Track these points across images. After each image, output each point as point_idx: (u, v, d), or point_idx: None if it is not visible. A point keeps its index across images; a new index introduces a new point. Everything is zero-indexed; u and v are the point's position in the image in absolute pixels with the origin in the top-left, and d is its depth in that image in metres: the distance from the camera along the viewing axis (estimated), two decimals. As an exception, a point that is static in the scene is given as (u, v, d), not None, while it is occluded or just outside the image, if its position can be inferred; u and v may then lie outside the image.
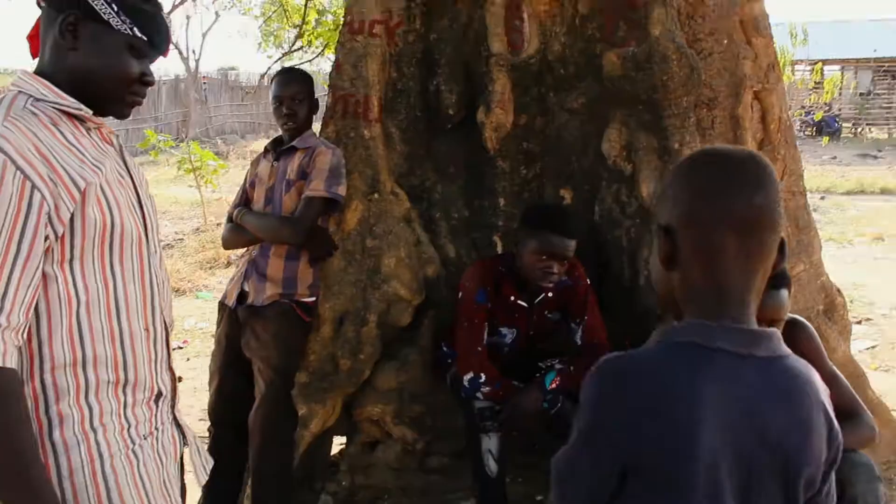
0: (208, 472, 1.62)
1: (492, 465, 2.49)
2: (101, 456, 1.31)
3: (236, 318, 2.81)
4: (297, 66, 2.96)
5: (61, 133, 1.32)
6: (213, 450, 2.81)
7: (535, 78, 3.16)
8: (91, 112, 1.38)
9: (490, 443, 2.50)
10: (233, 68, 31.21)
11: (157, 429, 1.43)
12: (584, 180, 3.17)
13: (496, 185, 3.22)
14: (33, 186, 1.22)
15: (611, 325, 2.81)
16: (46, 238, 1.24)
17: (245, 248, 2.96)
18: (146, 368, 1.41)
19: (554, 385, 2.54)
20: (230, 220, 2.93)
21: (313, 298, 2.85)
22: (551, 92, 3.18)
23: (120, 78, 1.40)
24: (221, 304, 2.92)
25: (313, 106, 2.90)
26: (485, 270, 2.65)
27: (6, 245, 1.19)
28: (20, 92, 1.34)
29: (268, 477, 2.64)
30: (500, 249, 3.22)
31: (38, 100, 1.33)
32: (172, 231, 9.35)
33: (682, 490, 1.03)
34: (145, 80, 1.44)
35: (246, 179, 3.01)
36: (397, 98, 3.22)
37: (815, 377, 1.11)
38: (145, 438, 1.40)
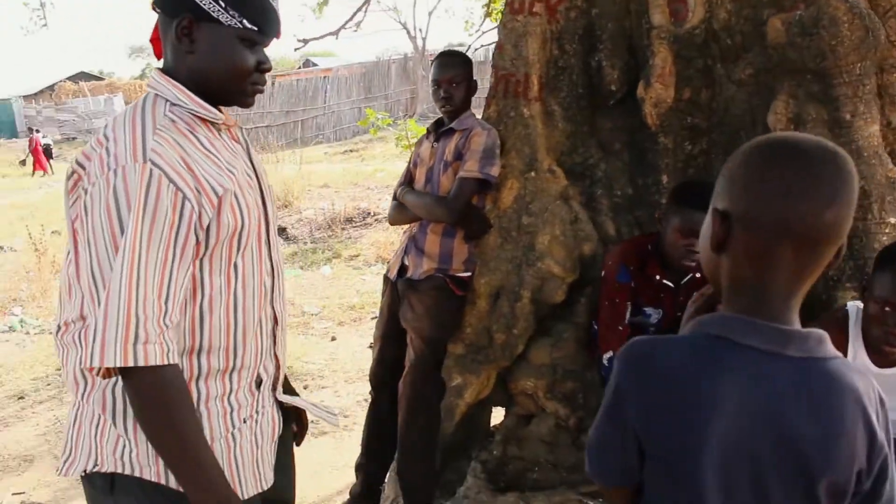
0: (337, 421, 1.77)
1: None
2: None
3: (396, 290, 3.02)
4: (455, 49, 3.06)
5: (199, 140, 1.44)
6: (372, 413, 3.07)
7: (700, 49, 3.03)
8: (222, 117, 1.50)
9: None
10: (461, 44, 32.10)
11: (257, 412, 1.57)
12: (755, 156, 2.99)
13: (659, 161, 3.14)
14: (184, 197, 1.34)
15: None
16: (198, 240, 1.38)
17: (408, 224, 3.15)
18: (252, 357, 1.54)
19: None
20: (395, 197, 3.14)
21: (468, 273, 2.98)
22: (718, 63, 3.03)
23: (238, 72, 1.47)
24: (385, 277, 3.15)
25: (471, 88, 3.01)
26: (630, 248, 2.63)
27: (166, 252, 1.32)
28: (157, 95, 1.46)
29: (413, 443, 2.83)
30: (663, 227, 3.15)
31: (174, 104, 1.44)
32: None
33: (692, 482, 1.03)
34: (262, 68, 1.50)
35: (411, 159, 3.19)
36: (559, 76, 3.23)
37: (862, 384, 1.04)
38: (244, 422, 1.53)
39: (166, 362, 1.33)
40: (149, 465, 1.44)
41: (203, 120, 1.48)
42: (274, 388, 1.65)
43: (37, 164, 20.99)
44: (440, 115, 3.12)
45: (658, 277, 2.59)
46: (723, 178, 1.11)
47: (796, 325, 1.05)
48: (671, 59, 3.00)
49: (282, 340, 1.65)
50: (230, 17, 1.43)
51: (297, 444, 1.94)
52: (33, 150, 21.09)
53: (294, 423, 1.87)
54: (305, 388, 4.89)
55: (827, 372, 1.03)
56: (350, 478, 3.26)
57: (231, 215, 1.42)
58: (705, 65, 3.05)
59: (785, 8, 2.76)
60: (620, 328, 2.56)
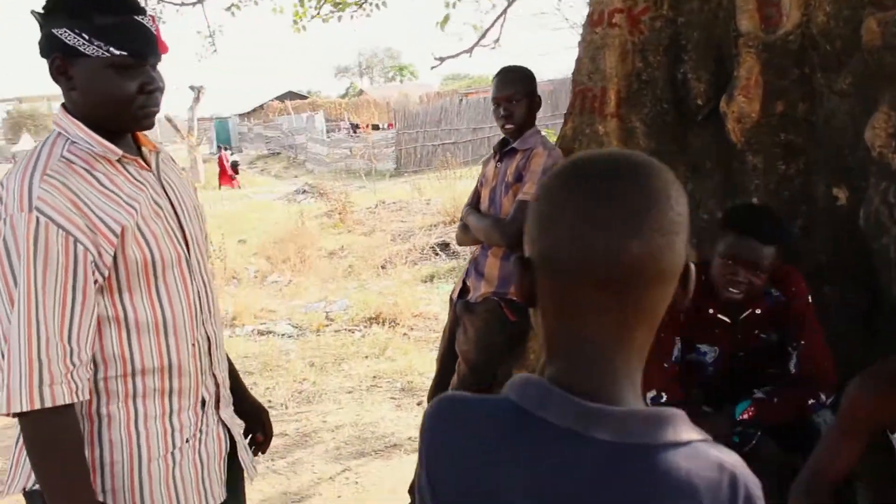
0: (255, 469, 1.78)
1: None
2: (140, 457, 1.48)
3: (457, 311, 2.96)
4: (516, 65, 2.95)
5: (96, 178, 1.43)
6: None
7: (796, 57, 2.72)
8: (119, 152, 1.46)
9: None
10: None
11: (200, 431, 1.57)
12: (861, 176, 2.64)
13: (748, 182, 2.85)
14: (76, 240, 1.36)
15: (877, 351, 2.32)
16: (96, 281, 1.39)
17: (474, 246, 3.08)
18: (191, 378, 1.55)
19: (746, 416, 2.20)
20: (461, 218, 3.08)
21: (529, 298, 2.85)
22: (817, 72, 2.70)
23: (118, 101, 1.43)
24: (450, 298, 3.09)
25: (534, 105, 2.89)
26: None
27: (63, 296, 1.35)
28: (59, 134, 1.46)
29: None
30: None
31: (74, 142, 1.44)
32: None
33: None
34: (146, 90, 1.45)
35: (478, 180, 3.12)
36: (642, 90, 3.03)
37: (713, 480, 0.78)
38: (187, 442, 1.54)
39: (76, 400, 1.37)
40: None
41: (102, 156, 1.46)
42: (217, 407, 1.66)
43: (222, 179, 22.95)
44: None
45: (712, 311, 2.34)
46: (527, 220, 0.90)
47: (626, 395, 0.84)
48: (758, 69, 2.72)
49: (219, 359, 1.66)
50: (96, 49, 1.39)
51: (262, 452, 1.96)
52: (221, 165, 23.12)
53: (259, 433, 1.89)
54: (419, 404, 4.90)
55: (650, 463, 0.78)
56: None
57: (137, 248, 1.44)
58: (802, 74, 2.74)
59: (886, 7, 2.41)
60: (666, 365, 2.34)
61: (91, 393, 1.44)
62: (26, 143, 52.48)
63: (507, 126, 2.86)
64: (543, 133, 2.99)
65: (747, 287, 2.18)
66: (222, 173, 22.70)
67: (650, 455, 0.77)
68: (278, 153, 32.48)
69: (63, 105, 1.50)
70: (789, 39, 2.71)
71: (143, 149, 1.58)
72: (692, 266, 0.86)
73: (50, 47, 1.42)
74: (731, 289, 2.20)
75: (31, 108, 47.59)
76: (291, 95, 40.83)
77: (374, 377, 5.40)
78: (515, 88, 2.84)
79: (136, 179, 1.51)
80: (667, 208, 0.81)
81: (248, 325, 6.95)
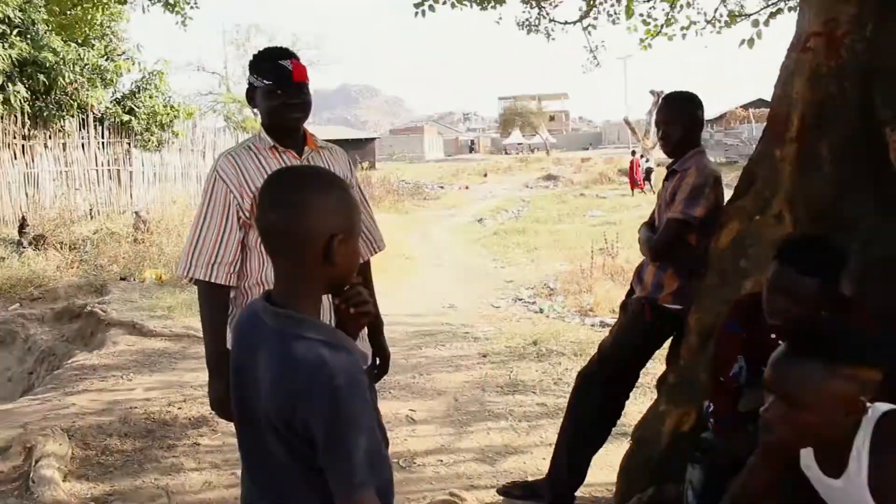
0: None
1: (689, 497, 2.41)
2: None
3: (626, 310, 3.30)
4: (681, 91, 3.10)
5: (258, 159, 2.40)
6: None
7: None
8: (270, 142, 2.41)
9: (693, 474, 2.41)
10: None
11: None
12: None
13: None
14: (229, 190, 2.37)
15: None
16: (239, 218, 2.36)
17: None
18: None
19: None
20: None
21: (678, 307, 3.08)
22: None
23: (274, 112, 2.36)
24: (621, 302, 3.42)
25: (692, 127, 3.06)
26: (747, 301, 2.46)
27: (219, 220, 2.36)
28: (255, 135, 2.49)
29: (562, 439, 3.12)
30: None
31: (257, 138, 2.46)
32: None
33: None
34: (288, 104, 2.33)
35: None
36: (836, 116, 2.96)
37: (314, 363, 1.32)
38: None
39: (209, 280, 2.36)
40: None
41: (271, 148, 2.41)
42: None
43: (632, 185, 23.38)
44: None
45: (774, 336, 2.37)
46: None
47: (299, 309, 1.40)
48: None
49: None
50: (259, 81, 2.36)
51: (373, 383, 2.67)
52: (631, 170, 23.56)
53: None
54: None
55: (287, 344, 1.36)
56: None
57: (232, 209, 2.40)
58: None
59: None
60: (722, 379, 2.45)
61: (241, 291, 2.43)
62: (515, 137, 59.95)
63: (666, 148, 3.09)
64: (705, 155, 3.12)
65: (785, 316, 2.21)
66: (632, 177, 23.38)
67: (284, 338, 1.37)
68: (735, 161, 31.74)
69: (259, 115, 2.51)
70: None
71: (306, 147, 2.49)
72: (334, 242, 1.38)
73: (248, 86, 2.43)
74: (771, 317, 2.25)
75: (521, 106, 54.03)
76: (760, 103, 39.23)
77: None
78: (672, 112, 3.06)
79: (284, 163, 2.40)
80: (291, 191, 1.38)
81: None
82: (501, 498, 3.44)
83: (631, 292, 3.29)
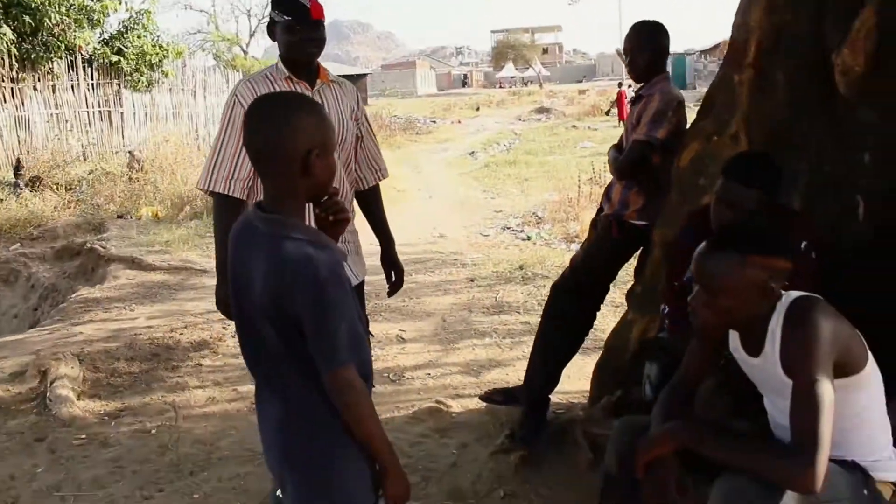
0: None
1: (647, 390, 2.68)
2: None
3: (596, 225, 3.54)
4: (645, 20, 3.27)
5: (273, 87, 2.59)
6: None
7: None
8: (285, 72, 2.61)
9: (651, 369, 2.68)
10: None
11: None
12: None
13: (860, 139, 2.85)
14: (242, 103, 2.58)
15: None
16: None
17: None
18: None
19: None
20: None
21: (643, 222, 3.31)
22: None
23: (291, 46, 2.55)
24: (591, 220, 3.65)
25: (655, 54, 3.24)
26: (702, 212, 2.69)
27: (237, 139, 2.53)
28: (273, 66, 2.69)
29: (537, 344, 3.40)
30: (861, 210, 2.89)
31: (276, 67, 2.65)
32: None
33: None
34: (305, 39, 2.52)
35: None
36: (791, 42, 3.14)
37: (301, 258, 1.54)
38: None
39: (227, 193, 2.58)
40: None
41: (286, 77, 2.61)
42: None
43: (620, 115, 23.48)
44: None
45: None
46: None
47: (286, 215, 1.62)
48: (873, 22, 2.72)
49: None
50: (279, 16, 2.54)
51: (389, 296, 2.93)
52: (619, 103, 23.59)
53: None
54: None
55: (279, 245, 1.57)
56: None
57: None
58: (925, 29, 2.65)
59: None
60: (676, 284, 2.70)
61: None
62: (509, 70, 59.48)
63: (632, 74, 3.28)
64: (670, 81, 3.31)
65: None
66: (620, 109, 23.44)
67: (274, 239, 1.59)
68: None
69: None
70: (914, -7, 2.64)
71: (318, 80, 2.68)
72: (311, 156, 1.60)
73: (269, 20, 2.63)
74: (717, 225, 2.48)
75: (514, 39, 53.45)
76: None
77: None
78: (633, 41, 3.24)
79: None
80: (265, 118, 1.59)
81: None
82: (484, 404, 3.73)
83: (600, 210, 3.52)
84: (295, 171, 1.60)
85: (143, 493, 3.11)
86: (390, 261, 2.99)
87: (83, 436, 3.63)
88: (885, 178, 2.82)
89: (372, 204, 2.99)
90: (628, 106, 14.43)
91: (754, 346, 1.92)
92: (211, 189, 2.60)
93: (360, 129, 2.84)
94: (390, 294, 3.03)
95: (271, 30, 2.63)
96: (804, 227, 2.51)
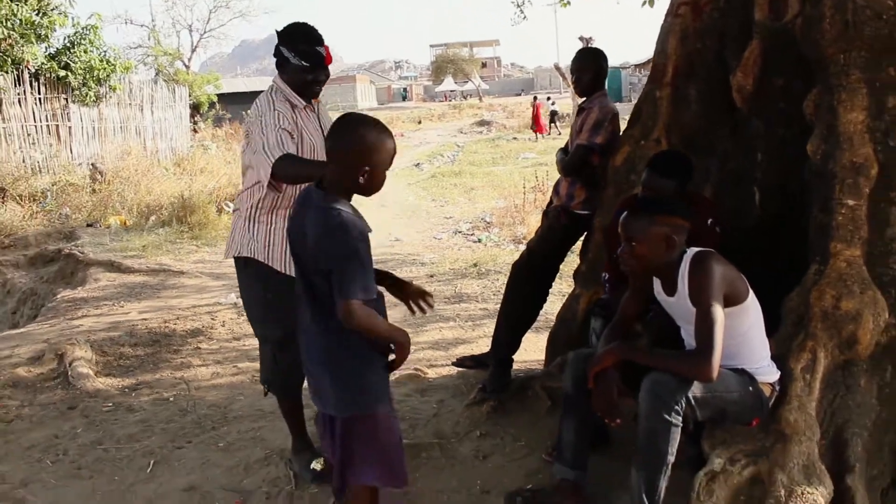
0: None
1: (593, 340, 3.40)
2: None
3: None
4: (588, 47, 4.04)
5: (292, 108, 3.08)
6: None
7: (794, 41, 3.43)
8: (303, 102, 3.10)
9: (595, 324, 3.40)
10: None
11: None
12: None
13: (754, 141, 3.64)
14: (285, 118, 3.01)
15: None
16: (292, 136, 2.97)
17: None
18: None
19: None
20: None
21: (587, 212, 4.04)
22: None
23: (304, 84, 3.03)
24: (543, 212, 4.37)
25: (597, 75, 4.00)
26: (630, 199, 3.42)
27: (277, 134, 3.00)
28: (276, 87, 3.13)
29: (500, 314, 4.10)
30: (757, 200, 3.67)
31: (282, 91, 3.11)
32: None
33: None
34: (316, 81, 3.05)
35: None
36: (700, 65, 3.92)
37: (325, 217, 2.17)
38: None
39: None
40: (261, 252, 3.23)
41: (294, 102, 3.12)
42: None
43: (536, 127, 24.51)
44: None
45: None
46: None
47: (334, 200, 2.23)
48: (759, 50, 3.50)
49: None
50: (294, 58, 3.02)
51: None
52: (534, 114, 24.60)
53: None
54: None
55: (321, 210, 2.20)
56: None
57: (300, 137, 3.08)
58: (799, 55, 3.45)
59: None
60: (614, 255, 3.42)
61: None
62: (448, 84, 60.75)
63: (576, 89, 4.03)
64: (607, 97, 4.07)
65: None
66: (535, 121, 24.38)
67: (323, 208, 2.21)
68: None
69: (279, 74, 3.15)
70: (790, 27, 3.44)
71: (313, 102, 3.21)
72: (364, 172, 2.23)
73: (278, 52, 3.08)
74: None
75: (453, 54, 54.69)
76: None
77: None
78: (579, 63, 4.00)
79: (306, 116, 3.16)
80: (351, 131, 2.23)
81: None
82: (456, 369, 4.40)
83: (550, 203, 4.24)
84: (352, 176, 2.22)
85: (175, 444, 3.67)
86: None
87: (110, 404, 4.17)
88: (774, 174, 3.60)
89: None
90: (544, 117, 15.63)
91: (670, 288, 2.66)
92: (284, 154, 2.89)
93: None
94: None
95: (279, 62, 3.10)
96: (708, 207, 3.26)
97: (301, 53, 3.03)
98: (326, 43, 3.12)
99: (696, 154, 3.85)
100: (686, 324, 2.67)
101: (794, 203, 3.47)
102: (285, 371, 3.19)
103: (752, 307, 2.61)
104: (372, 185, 2.27)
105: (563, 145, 4.33)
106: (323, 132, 3.17)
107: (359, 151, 2.20)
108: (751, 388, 2.60)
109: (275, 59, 3.13)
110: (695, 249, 2.61)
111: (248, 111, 3.29)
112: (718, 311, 2.44)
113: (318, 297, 2.28)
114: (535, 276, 4.10)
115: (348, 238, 2.17)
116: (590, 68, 4.03)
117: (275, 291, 3.11)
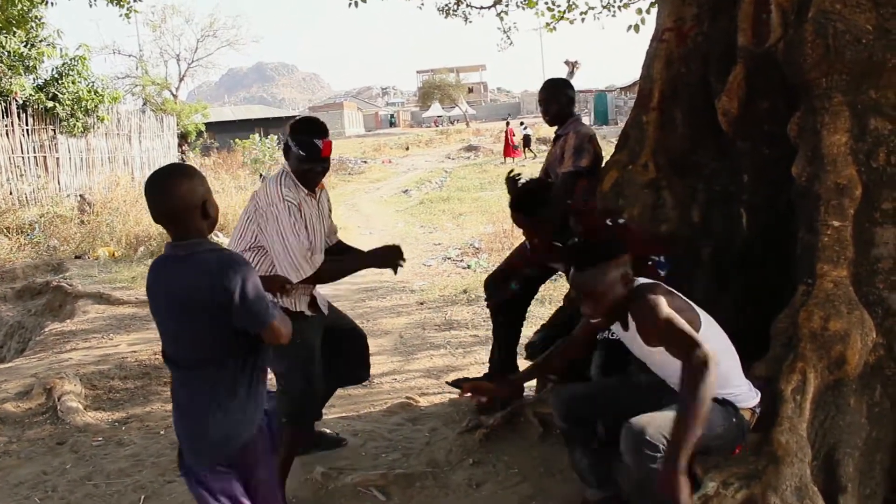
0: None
1: (593, 371, 3.41)
2: None
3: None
4: (554, 78, 4.17)
5: (295, 190, 3.12)
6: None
7: (777, 65, 3.48)
8: (305, 190, 3.16)
9: (598, 360, 3.41)
10: None
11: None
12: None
13: (740, 163, 3.67)
14: (297, 209, 3.09)
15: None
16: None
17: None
18: None
19: None
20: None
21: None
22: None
23: (304, 173, 3.12)
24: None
25: (563, 104, 4.06)
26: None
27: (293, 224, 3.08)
28: (286, 172, 3.18)
29: (493, 331, 4.12)
30: (744, 221, 3.69)
31: (287, 174, 3.15)
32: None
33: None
34: (314, 171, 3.13)
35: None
36: (685, 90, 3.97)
37: (217, 265, 2.16)
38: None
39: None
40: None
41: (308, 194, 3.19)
42: None
43: (506, 151, 24.65)
44: None
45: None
46: None
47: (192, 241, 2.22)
48: (742, 74, 3.55)
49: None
50: (295, 147, 3.10)
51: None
52: (505, 139, 24.78)
53: None
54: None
55: (195, 259, 2.21)
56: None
57: (305, 224, 3.14)
58: (781, 78, 3.49)
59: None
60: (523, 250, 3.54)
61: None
62: (435, 109, 61.05)
63: (545, 118, 4.10)
64: (582, 121, 4.12)
65: (543, 232, 3.42)
66: (507, 146, 24.57)
67: (198, 254, 2.21)
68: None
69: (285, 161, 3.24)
70: (772, 52, 3.49)
71: (317, 189, 3.27)
72: (206, 203, 2.23)
73: (285, 142, 3.19)
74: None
75: (439, 79, 55.06)
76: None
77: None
78: (544, 94, 4.08)
79: (308, 202, 3.21)
80: (172, 184, 2.21)
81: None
82: (448, 399, 4.39)
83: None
84: (198, 216, 2.22)
85: (165, 479, 3.63)
86: (373, 253, 3.51)
87: (100, 438, 4.12)
88: (759, 194, 3.63)
89: (338, 247, 3.60)
90: (517, 141, 15.95)
91: (624, 323, 2.67)
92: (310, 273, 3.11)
93: (330, 216, 3.51)
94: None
95: (285, 149, 3.20)
96: (637, 238, 3.30)
97: (300, 143, 3.10)
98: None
99: (683, 176, 3.90)
100: (643, 359, 2.70)
101: (780, 223, 3.50)
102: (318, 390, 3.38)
103: (712, 337, 2.56)
104: (215, 214, 2.29)
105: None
106: (323, 219, 3.32)
107: (190, 193, 2.20)
108: (734, 420, 2.61)
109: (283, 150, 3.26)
110: (640, 281, 2.63)
111: (258, 200, 3.23)
112: (674, 315, 2.45)
113: (206, 351, 2.25)
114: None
115: (240, 269, 2.18)
116: (555, 100, 4.10)
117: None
